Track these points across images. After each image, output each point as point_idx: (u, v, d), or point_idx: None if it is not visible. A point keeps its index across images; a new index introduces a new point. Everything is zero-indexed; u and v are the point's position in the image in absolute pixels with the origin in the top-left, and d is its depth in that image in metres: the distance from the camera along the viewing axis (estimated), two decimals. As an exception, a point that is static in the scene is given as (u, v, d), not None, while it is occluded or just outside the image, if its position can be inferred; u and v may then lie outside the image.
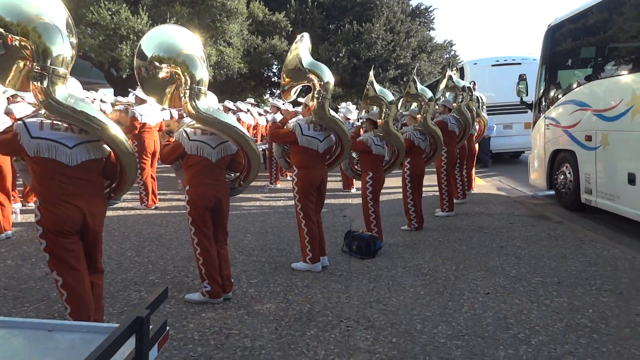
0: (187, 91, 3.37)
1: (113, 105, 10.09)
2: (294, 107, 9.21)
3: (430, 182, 7.98)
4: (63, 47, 2.64)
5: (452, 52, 31.26)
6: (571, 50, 7.04)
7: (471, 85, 8.15)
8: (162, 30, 3.60)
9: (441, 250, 5.09)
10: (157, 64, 3.42)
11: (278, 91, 29.31)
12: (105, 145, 2.94)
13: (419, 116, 5.80)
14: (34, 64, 2.58)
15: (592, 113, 6.20)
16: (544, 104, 7.67)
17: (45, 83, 2.59)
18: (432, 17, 30.31)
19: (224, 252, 3.82)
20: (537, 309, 3.51)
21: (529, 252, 4.90)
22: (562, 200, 7.28)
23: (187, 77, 3.36)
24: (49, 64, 2.58)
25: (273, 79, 29.66)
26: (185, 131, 3.59)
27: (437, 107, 6.91)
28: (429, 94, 5.81)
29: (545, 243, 5.23)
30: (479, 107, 8.03)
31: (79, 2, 15.29)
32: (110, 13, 15.27)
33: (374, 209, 5.21)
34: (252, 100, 12.87)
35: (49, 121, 2.74)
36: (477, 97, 8.22)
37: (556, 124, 7.20)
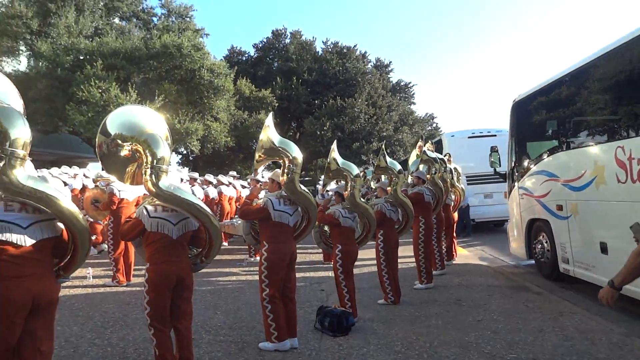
0: (149, 169, 3.41)
1: (95, 180, 10.09)
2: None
3: (409, 253, 7.90)
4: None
5: (434, 125, 32.46)
6: (536, 123, 7.32)
7: (445, 158, 8.36)
8: (128, 110, 3.72)
9: (416, 325, 4.93)
10: (119, 141, 3.48)
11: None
12: (58, 223, 2.89)
13: (389, 188, 5.87)
14: None
15: (561, 183, 6.33)
16: (516, 174, 7.84)
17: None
18: (412, 92, 31.82)
19: (186, 332, 3.65)
20: (510, 389, 3.34)
21: (506, 326, 4.76)
22: (542, 270, 7.22)
23: (149, 156, 3.41)
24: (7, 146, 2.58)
25: (261, 152, 30.18)
26: (146, 208, 3.57)
27: (411, 179, 7.03)
28: (398, 166, 5.94)
29: (523, 316, 5.10)
30: (452, 178, 8.18)
31: (70, 81, 15.85)
32: (100, 91, 15.74)
33: (346, 282, 5.10)
34: (234, 173, 13.03)
35: None
36: (451, 168, 8.40)
37: (529, 194, 7.31)
